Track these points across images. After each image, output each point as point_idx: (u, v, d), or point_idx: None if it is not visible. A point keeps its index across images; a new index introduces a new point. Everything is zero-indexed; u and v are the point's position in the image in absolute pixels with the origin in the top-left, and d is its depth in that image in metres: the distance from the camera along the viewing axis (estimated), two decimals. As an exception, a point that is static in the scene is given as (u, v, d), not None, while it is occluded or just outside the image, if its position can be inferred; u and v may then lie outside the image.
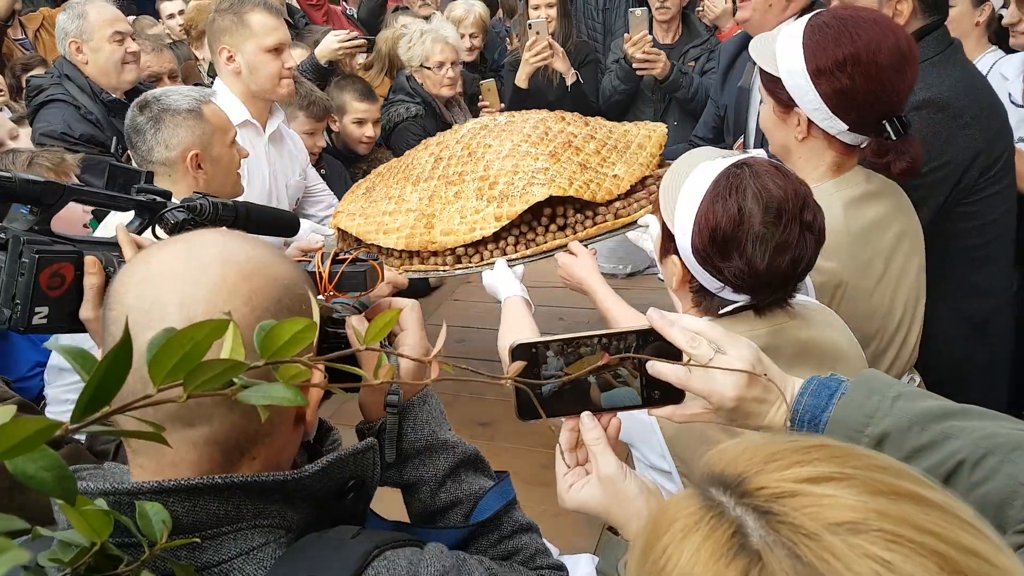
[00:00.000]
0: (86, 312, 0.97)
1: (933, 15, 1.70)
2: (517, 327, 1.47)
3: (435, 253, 1.77)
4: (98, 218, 1.85)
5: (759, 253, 1.05)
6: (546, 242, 1.72)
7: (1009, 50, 2.54)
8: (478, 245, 1.73)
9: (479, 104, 3.30)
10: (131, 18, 3.65)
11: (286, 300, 0.68)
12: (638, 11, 3.07)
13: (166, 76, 3.05)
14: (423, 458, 0.91)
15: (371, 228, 1.85)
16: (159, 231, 1.11)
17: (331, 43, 2.97)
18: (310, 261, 1.01)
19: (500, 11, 4.91)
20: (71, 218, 1.70)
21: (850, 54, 1.32)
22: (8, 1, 3.22)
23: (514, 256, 1.71)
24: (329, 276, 0.98)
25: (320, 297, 0.97)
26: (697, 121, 2.91)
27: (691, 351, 0.81)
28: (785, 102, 1.42)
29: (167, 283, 0.66)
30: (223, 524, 0.66)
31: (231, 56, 2.24)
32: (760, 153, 2.01)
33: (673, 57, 3.20)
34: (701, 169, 1.13)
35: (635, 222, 1.74)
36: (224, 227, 1.12)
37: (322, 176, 2.72)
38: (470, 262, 1.74)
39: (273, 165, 2.40)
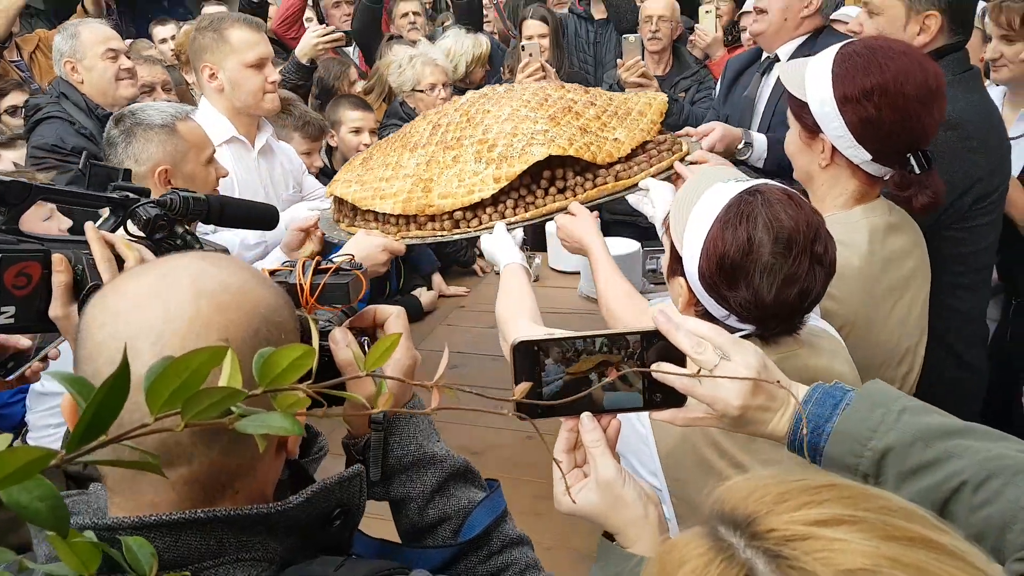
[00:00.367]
0: (55, 310, 0.96)
1: (959, 34, 1.71)
2: (516, 295, 1.47)
3: (432, 218, 1.73)
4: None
5: (766, 284, 1.03)
6: (545, 205, 1.70)
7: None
8: (476, 209, 1.70)
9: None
10: (128, 41, 3.68)
11: (264, 331, 0.66)
12: (631, 37, 3.12)
13: (159, 87, 3.08)
14: (410, 474, 0.89)
15: (367, 194, 1.81)
16: (132, 227, 1.09)
17: (309, 39, 3.03)
18: (291, 271, 0.98)
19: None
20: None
21: (878, 83, 1.33)
22: (5, 23, 3.24)
23: (514, 219, 1.68)
24: (311, 288, 0.95)
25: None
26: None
27: (696, 356, 0.80)
28: (811, 128, 1.42)
29: (138, 319, 0.63)
30: (205, 559, 0.64)
31: (213, 73, 2.25)
32: (760, 138, 2.04)
33: (664, 88, 3.25)
34: (713, 191, 1.11)
35: (635, 185, 1.73)
36: (199, 250, 1.10)
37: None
38: (468, 226, 1.71)
39: (265, 180, 2.40)
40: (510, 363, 0.81)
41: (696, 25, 3.79)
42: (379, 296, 2.67)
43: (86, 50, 2.71)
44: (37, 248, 0.96)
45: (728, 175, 1.18)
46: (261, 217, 1.34)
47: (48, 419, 1.81)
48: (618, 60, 3.14)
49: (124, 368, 0.45)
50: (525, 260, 1.59)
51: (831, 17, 2.51)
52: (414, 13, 4.29)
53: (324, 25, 3.26)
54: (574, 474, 0.83)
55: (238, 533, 0.65)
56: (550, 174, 1.69)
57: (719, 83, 2.86)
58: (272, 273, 0.99)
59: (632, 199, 1.72)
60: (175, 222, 1.12)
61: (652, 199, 1.68)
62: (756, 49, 2.57)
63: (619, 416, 0.85)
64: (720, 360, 0.80)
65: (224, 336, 0.63)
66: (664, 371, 0.80)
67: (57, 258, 0.96)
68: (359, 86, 3.50)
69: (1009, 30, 2.04)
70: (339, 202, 1.93)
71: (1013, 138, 2.00)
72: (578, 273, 2.84)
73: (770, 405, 0.83)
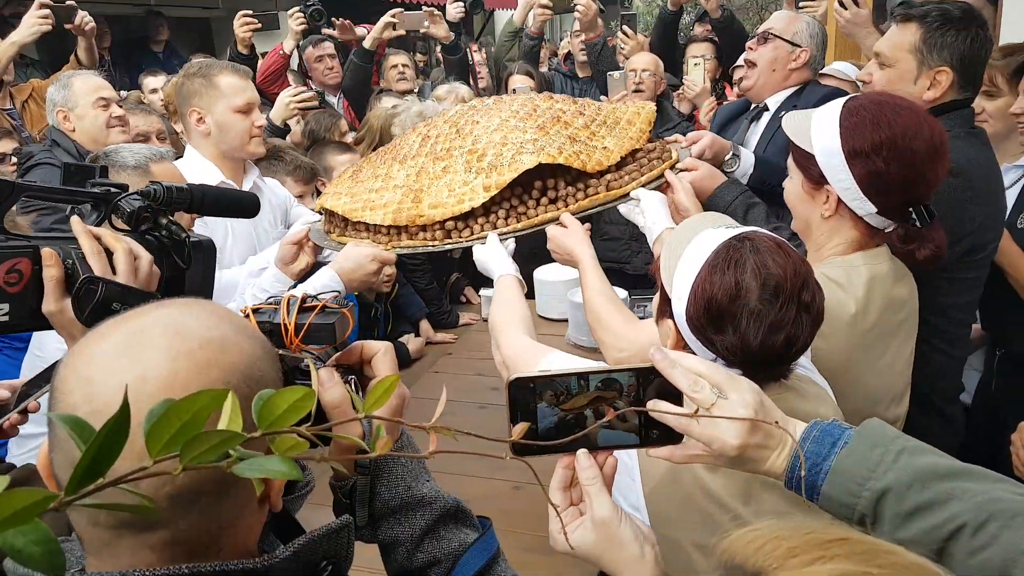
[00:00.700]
0: (49, 306, 0.95)
1: (967, 91, 1.75)
2: (510, 305, 1.47)
3: (424, 228, 1.71)
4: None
5: (753, 330, 1.03)
6: (537, 215, 1.69)
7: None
8: (468, 219, 1.69)
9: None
10: (122, 93, 3.74)
11: (244, 388, 0.64)
12: (616, 73, 3.19)
13: (155, 136, 3.11)
14: (398, 516, 0.87)
15: (357, 205, 1.80)
16: (116, 222, 1.09)
17: (283, 101, 3.09)
18: (275, 308, 0.97)
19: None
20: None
21: (887, 138, 1.35)
22: None
23: (506, 230, 1.67)
24: (296, 328, 0.94)
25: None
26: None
27: (693, 394, 0.79)
28: (816, 179, 1.43)
29: (114, 382, 0.60)
30: None
31: (201, 118, 2.29)
32: (748, 154, 2.08)
33: (648, 140, 3.33)
34: (703, 237, 1.12)
35: (627, 195, 1.73)
36: (174, 301, 1.08)
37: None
38: (460, 236, 1.70)
39: (255, 220, 2.41)
40: (505, 398, 0.80)
41: (685, 77, 3.91)
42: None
43: (78, 99, 2.76)
44: (25, 245, 0.96)
45: (719, 221, 1.20)
46: (242, 205, 1.33)
47: (33, 461, 1.76)
48: (602, 97, 3.21)
49: (125, 410, 0.45)
50: (517, 271, 1.59)
51: (821, 72, 2.59)
52: (403, 65, 4.40)
53: (299, 87, 3.34)
54: (570, 512, 0.82)
55: None
56: (541, 184, 1.69)
57: (709, 129, 2.95)
58: (255, 311, 0.98)
59: (623, 209, 1.74)
60: (159, 213, 1.10)
61: (643, 209, 1.70)
62: (745, 100, 2.65)
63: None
64: (717, 398, 0.80)
65: None
66: (661, 411, 0.79)
67: (47, 253, 0.95)
68: (349, 137, 3.56)
69: (991, 86, 2.11)
70: (330, 214, 1.93)
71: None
72: (566, 321, 2.85)
73: (767, 443, 0.83)
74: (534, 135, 1.73)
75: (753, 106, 2.53)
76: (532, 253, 2.32)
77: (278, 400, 0.51)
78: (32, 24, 3.14)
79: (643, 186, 1.75)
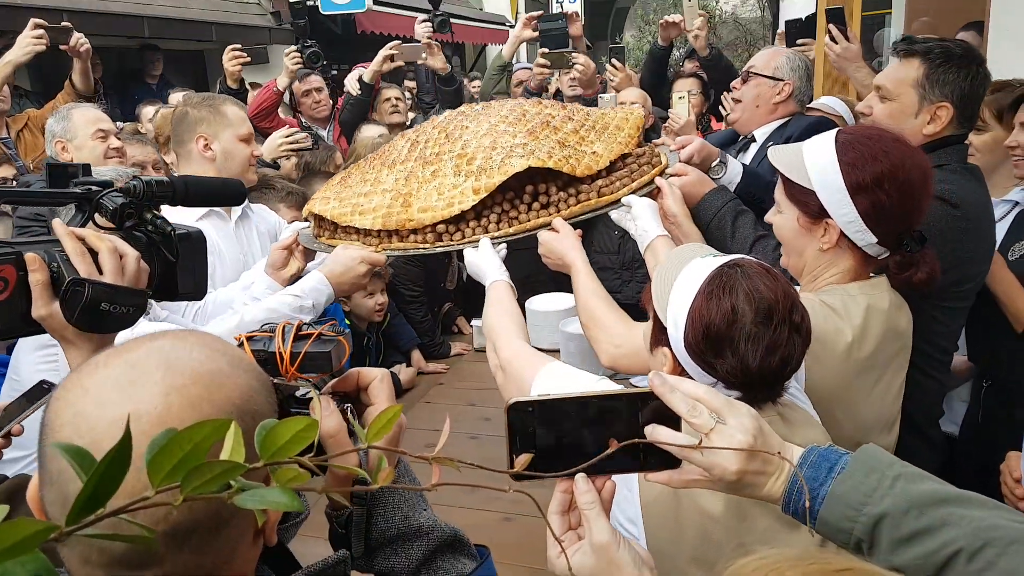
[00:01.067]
0: (38, 310, 0.94)
1: (964, 127, 1.78)
2: (503, 311, 1.48)
3: (415, 231, 1.70)
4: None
5: (751, 352, 1.06)
6: (529, 220, 1.69)
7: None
8: (459, 223, 1.68)
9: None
10: (119, 124, 3.77)
11: (239, 422, 0.63)
12: (606, 96, 3.25)
13: (150, 166, 3.13)
14: (395, 547, 0.86)
15: (346, 210, 1.79)
16: (100, 220, 1.08)
17: (275, 140, 3.14)
18: (270, 337, 0.96)
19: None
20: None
21: (887, 170, 1.37)
22: None
23: (498, 234, 1.66)
24: (292, 356, 0.93)
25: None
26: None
27: (691, 420, 0.80)
28: (815, 213, 1.44)
29: (105, 419, 0.60)
30: None
31: (208, 144, 2.33)
32: (736, 163, 2.09)
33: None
34: (693, 266, 1.15)
35: (618, 201, 1.73)
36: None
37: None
38: (451, 240, 1.69)
39: (243, 245, 2.43)
40: (504, 422, 0.80)
41: (670, 111, 3.99)
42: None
43: (77, 130, 2.79)
44: (7, 251, 0.95)
45: (705, 251, 1.23)
46: (227, 192, 1.32)
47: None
48: None
49: (126, 440, 0.45)
50: (508, 276, 1.59)
51: (808, 106, 2.64)
52: (396, 99, 4.46)
53: (293, 129, 3.40)
54: (568, 536, 0.81)
55: None
56: (533, 189, 1.70)
57: None
58: (250, 339, 0.97)
59: (615, 215, 1.74)
60: (143, 208, 1.09)
61: (635, 215, 1.71)
62: (731, 130, 2.70)
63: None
64: (716, 423, 0.80)
65: None
66: (663, 442, 0.79)
67: (30, 257, 0.94)
68: (339, 158, 3.61)
69: (979, 121, 2.16)
70: (319, 220, 1.91)
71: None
72: (557, 351, 2.85)
73: (765, 469, 0.83)
74: (524, 139, 1.74)
75: (741, 137, 2.58)
76: (522, 283, 2.32)
77: (281, 430, 0.51)
78: (26, 44, 3.15)
79: (634, 192, 1.76)
